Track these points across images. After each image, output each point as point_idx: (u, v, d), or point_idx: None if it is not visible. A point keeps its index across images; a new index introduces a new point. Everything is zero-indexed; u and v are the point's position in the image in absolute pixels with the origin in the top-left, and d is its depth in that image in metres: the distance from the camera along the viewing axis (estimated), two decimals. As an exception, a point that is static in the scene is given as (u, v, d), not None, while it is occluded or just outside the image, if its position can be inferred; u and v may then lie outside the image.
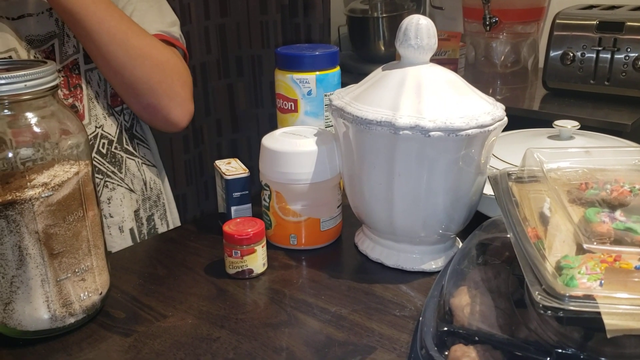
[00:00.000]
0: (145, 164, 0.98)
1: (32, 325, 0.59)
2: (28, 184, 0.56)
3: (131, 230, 0.94)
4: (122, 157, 0.92)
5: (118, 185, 0.92)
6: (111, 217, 0.91)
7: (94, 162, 0.87)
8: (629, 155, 0.66)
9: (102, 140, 0.88)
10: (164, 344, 0.59)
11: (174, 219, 1.05)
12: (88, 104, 0.87)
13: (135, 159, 0.95)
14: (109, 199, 0.90)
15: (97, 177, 0.88)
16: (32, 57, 0.80)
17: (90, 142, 0.87)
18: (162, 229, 1.00)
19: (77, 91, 0.85)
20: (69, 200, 0.58)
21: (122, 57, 0.84)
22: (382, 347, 0.58)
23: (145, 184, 0.97)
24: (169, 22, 0.95)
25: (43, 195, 0.56)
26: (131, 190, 0.94)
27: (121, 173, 0.92)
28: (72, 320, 0.61)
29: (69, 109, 0.60)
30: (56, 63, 0.81)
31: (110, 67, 0.84)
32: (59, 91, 0.81)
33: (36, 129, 0.57)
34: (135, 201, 0.95)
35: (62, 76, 0.82)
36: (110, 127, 0.90)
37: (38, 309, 0.58)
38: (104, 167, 0.89)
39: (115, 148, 0.91)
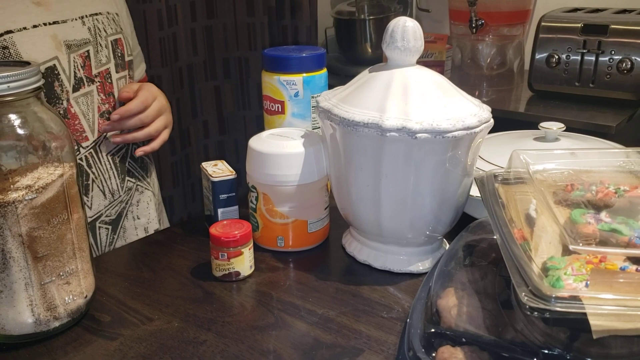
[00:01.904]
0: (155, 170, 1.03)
1: (15, 329, 0.58)
2: (11, 186, 0.55)
3: (156, 231, 0.97)
4: (147, 162, 0.98)
5: (146, 189, 0.96)
6: (138, 219, 0.95)
7: (129, 167, 0.92)
8: (614, 156, 0.66)
9: (134, 146, 0.92)
10: (149, 347, 0.59)
11: (165, 223, 1.08)
12: None
13: (153, 165, 1.01)
14: (137, 202, 0.94)
15: (130, 181, 0.92)
16: (72, 62, 0.83)
17: (125, 148, 0.91)
18: None
19: (111, 99, 0.89)
20: (53, 203, 0.57)
21: None
22: (369, 349, 0.58)
23: (160, 189, 1.03)
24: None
25: (27, 198, 0.55)
26: (154, 194, 0.99)
27: (148, 177, 0.97)
28: (56, 324, 0.60)
29: (53, 111, 0.60)
30: (92, 69, 0.86)
31: None
32: (96, 96, 0.86)
33: (19, 131, 0.56)
34: (155, 204, 0.99)
35: (98, 82, 0.87)
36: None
37: (22, 313, 0.58)
38: (137, 172, 0.94)
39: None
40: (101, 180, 0.87)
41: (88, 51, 0.85)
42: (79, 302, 0.62)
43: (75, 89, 0.83)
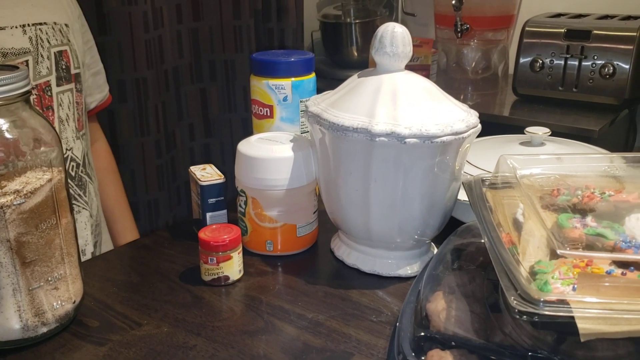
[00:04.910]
0: (95, 190, 0.99)
1: (3, 335, 0.58)
2: (-1, 191, 0.54)
3: (92, 254, 0.94)
4: (85, 180, 0.94)
5: (83, 208, 0.92)
6: None
7: None
8: (599, 161, 0.67)
9: (72, 163, 0.90)
10: (139, 352, 0.58)
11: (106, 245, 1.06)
12: (59, 126, 0.88)
13: (93, 183, 0.97)
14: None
15: None
16: None
17: None
18: None
19: (49, 112, 0.86)
20: (41, 208, 0.57)
21: None
22: (359, 353, 0.58)
23: (97, 209, 0.98)
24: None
25: (15, 203, 0.55)
26: (91, 214, 0.95)
27: (85, 196, 0.93)
28: (44, 329, 0.59)
29: (42, 116, 0.59)
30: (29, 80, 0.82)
31: None
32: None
33: (7, 135, 0.56)
34: (91, 225, 0.95)
35: (35, 95, 0.83)
36: (78, 150, 0.92)
37: (9, 319, 0.57)
38: (73, 190, 0.90)
39: (82, 171, 0.92)
40: None
41: (27, 61, 0.82)
42: (67, 308, 0.61)
43: None
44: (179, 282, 0.71)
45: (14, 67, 0.57)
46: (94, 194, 0.97)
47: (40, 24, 0.84)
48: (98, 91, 1.05)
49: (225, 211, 0.79)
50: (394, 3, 2.00)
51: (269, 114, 0.82)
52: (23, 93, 0.56)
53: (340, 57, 2.00)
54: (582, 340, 0.43)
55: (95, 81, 1.04)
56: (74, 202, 0.90)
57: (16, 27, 0.81)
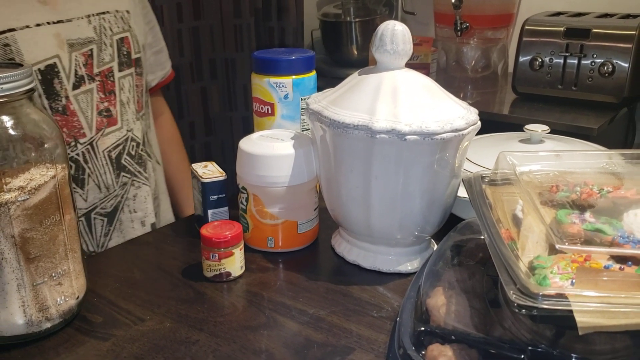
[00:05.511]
0: (154, 165, 1.05)
1: (7, 330, 0.58)
2: (4, 187, 0.55)
3: (153, 225, 1.00)
4: (145, 158, 0.99)
5: (143, 184, 0.98)
6: (135, 212, 0.97)
7: (124, 163, 0.94)
8: (597, 158, 0.68)
9: (132, 143, 0.95)
10: (142, 347, 0.59)
11: (169, 218, 1.11)
12: (120, 109, 0.93)
13: (151, 160, 1.03)
14: (134, 196, 0.97)
15: (125, 177, 0.95)
16: (73, 60, 0.86)
17: (122, 145, 0.93)
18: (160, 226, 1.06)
19: (112, 97, 0.91)
20: (45, 204, 0.58)
21: None
22: (360, 347, 0.58)
23: (156, 184, 1.04)
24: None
25: (19, 199, 0.55)
26: (151, 188, 1.01)
27: (146, 173, 0.99)
28: (48, 325, 0.60)
29: (46, 113, 0.60)
30: (93, 67, 0.88)
31: None
32: (95, 94, 0.89)
33: (11, 132, 0.56)
34: (152, 198, 1.01)
35: (99, 81, 0.89)
36: (138, 131, 0.97)
37: (14, 314, 0.58)
38: (132, 168, 0.96)
39: (141, 150, 0.98)
40: (97, 175, 0.90)
41: (91, 50, 0.87)
42: (71, 303, 0.62)
43: (75, 87, 0.85)
44: (181, 278, 0.71)
45: (18, 65, 0.58)
46: (151, 170, 1.02)
47: (104, 13, 0.90)
48: (160, 68, 1.11)
49: (226, 208, 0.80)
50: (394, 2, 2.01)
51: (270, 112, 0.83)
52: (27, 90, 0.57)
53: (340, 56, 2.01)
54: (580, 333, 0.43)
55: (158, 59, 1.10)
56: (134, 179, 0.97)
57: (82, 18, 0.86)
